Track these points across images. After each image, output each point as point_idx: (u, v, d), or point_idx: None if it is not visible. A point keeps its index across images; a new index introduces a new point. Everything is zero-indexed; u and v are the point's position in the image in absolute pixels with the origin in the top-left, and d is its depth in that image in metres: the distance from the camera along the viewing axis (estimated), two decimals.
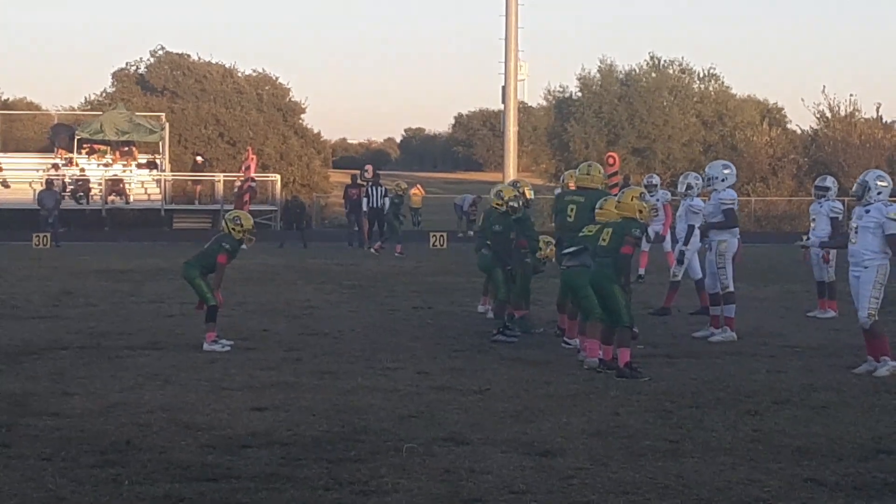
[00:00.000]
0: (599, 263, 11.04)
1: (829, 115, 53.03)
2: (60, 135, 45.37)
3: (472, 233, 33.88)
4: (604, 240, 11.07)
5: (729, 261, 13.33)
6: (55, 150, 44.53)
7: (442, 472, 7.17)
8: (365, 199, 31.39)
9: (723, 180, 13.44)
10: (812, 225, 16.10)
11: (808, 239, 14.78)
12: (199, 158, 45.08)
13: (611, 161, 25.54)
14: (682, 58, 61.81)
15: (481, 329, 13.89)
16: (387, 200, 30.03)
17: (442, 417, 8.80)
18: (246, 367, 11.09)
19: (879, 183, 11.01)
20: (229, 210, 16.49)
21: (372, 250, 28.70)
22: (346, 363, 11.39)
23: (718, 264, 13.33)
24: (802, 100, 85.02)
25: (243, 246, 12.80)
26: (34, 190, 38.63)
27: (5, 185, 40.93)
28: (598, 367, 10.95)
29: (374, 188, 31.18)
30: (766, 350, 12.54)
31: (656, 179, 20.35)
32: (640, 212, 11.21)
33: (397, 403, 9.33)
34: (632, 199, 11.29)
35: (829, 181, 16.15)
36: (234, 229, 12.50)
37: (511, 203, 13.56)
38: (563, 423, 8.60)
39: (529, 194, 14.42)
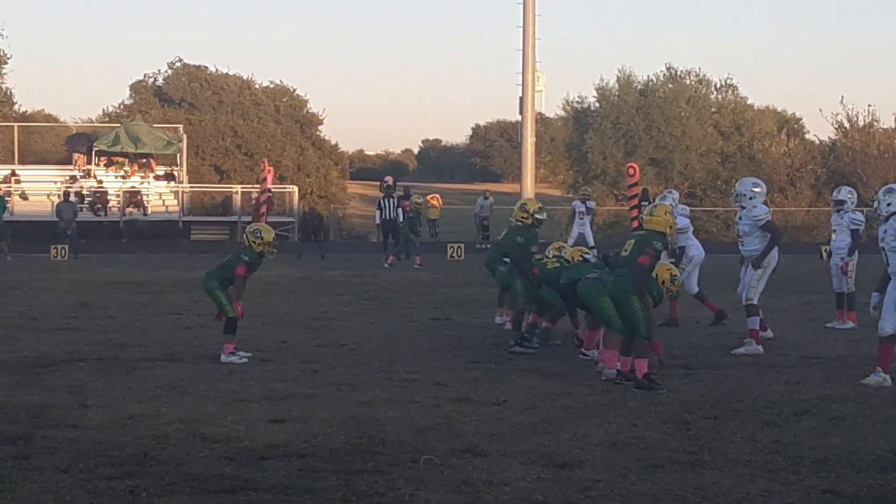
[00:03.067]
0: (618, 274, 10.99)
1: (847, 125, 52.92)
2: (78, 143, 45.61)
3: (486, 245, 33.54)
4: (626, 250, 11.00)
5: (766, 273, 13.23)
6: (73, 158, 44.75)
7: (460, 483, 7.15)
8: (378, 212, 31.30)
9: (751, 198, 13.34)
10: (833, 237, 16.03)
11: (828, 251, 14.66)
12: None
13: (631, 172, 25.49)
14: (699, 68, 61.86)
15: (499, 340, 13.86)
16: (400, 212, 29.98)
17: (460, 429, 8.79)
18: (263, 378, 11.10)
19: None
20: (247, 222, 16.48)
21: (385, 264, 28.53)
22: (364, 375, 11.39)
23: (755, 276, 13.22)
24: (820, 110, 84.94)
25: (265, 259, 12.75)
26: (52, 202, 38.83)
27: (24, 197, 41.14)
28: (615, 379, 10.92)
29: (386, 200, 31.08)
30: (784, 361, 12.49)
31: (676, 194, 19.95)
32: (670, 227, 11.07)
33: (415, 415, 9.32)
34: (665, 214, 11.10)
35: (844, 193, 16.00)
36: (254, 242, 12.48)
37: (537, 216, 13.51)
38: (581, 435, 8.58)
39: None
